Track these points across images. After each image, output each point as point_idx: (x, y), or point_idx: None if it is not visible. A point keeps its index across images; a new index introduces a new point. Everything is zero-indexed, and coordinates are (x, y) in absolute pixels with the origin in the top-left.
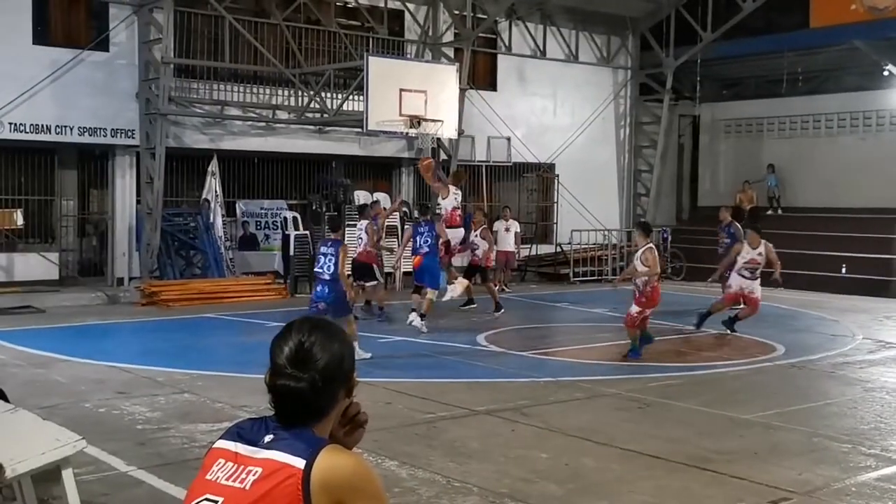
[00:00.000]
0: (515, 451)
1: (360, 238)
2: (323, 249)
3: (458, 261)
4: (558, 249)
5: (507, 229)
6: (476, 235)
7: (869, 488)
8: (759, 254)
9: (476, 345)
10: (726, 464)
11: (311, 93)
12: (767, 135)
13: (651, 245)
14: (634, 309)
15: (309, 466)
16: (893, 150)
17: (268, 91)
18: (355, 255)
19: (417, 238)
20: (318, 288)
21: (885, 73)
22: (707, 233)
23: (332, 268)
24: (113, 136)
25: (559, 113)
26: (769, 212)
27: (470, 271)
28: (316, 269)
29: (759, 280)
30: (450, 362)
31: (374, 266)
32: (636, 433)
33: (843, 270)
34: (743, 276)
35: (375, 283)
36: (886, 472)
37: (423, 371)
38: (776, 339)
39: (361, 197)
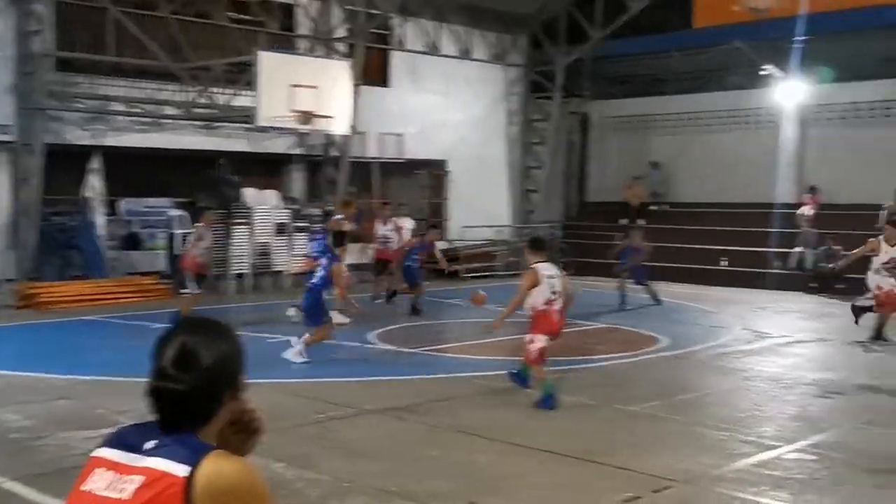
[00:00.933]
0: (406, 449)
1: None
2: (322, 261)
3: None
4: (449, 246)
5: (401, 227)
6: (388, 229)
7: (745, 474)
8: None
9: (367, 343)
10: (612, 455)
11: (200, 88)
12: (654, 132)
13: (535, 266)
14: (526, 337)
15: (192, 474)
16: (770, 147)
17: (154, 86)
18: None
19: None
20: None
21: (764, 72)
22: (596, 228)
23: (315, 279)
24: None
25: (451, 109)
26: (653, 207)
27: (379, 265)
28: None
29: None
30: (340, 361)
31: (189, 273)
32: (526, 428)
33: (723, 263)
34: (883, 276)
35: (188, 290)
36: (762, 458)
37: (312, 370)
38: (660, 332)
39: (250, 196)
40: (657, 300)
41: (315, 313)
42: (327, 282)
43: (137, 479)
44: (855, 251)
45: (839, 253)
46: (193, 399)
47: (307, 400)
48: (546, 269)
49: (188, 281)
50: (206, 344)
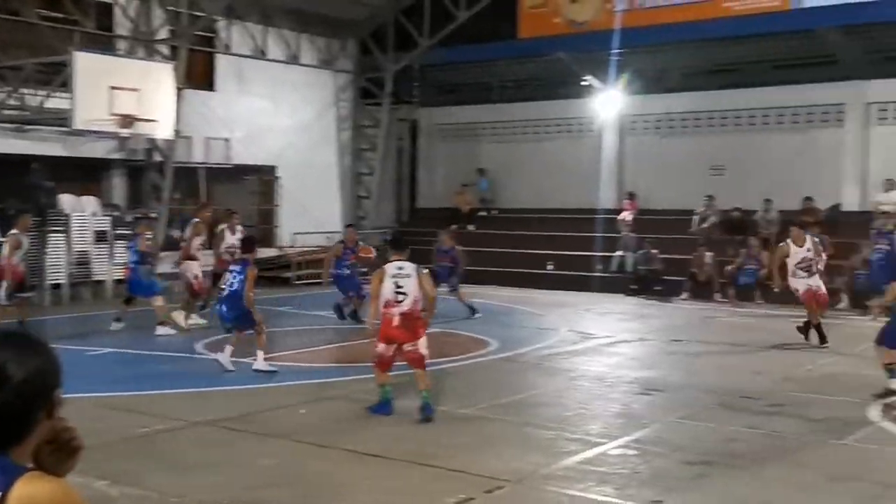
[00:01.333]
0: (238, 460)
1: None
2: (232, 267)
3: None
4: (280, 252)
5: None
6: (237, 238)
7: (573, 471)
8: (808, 249)
9: (195, 353)
10: (446, 458)
11: (8, 89)
12: (482, 139)
13: (385, 265)
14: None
15: (3, 498)
16: (592, 154)
17: None
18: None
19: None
20: (218, 306)
21: (585, 83)
22: (427, 234)
23: (234, 285)
24: None
25: (280, 114)
26: (482, 213)
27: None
28: (221, 285)
29: (817, 275)
30: (167, 372)
31: (10, 282)
32: (360, 434)
33: (550, 267)
34: (801, 278)
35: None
36: (588, 455)
37: (137, 383)
38: (489, 335)
39: (67, 202)
40: (472, 310)
41: (245, 321)
42: (244, 286)
43: None
44: (772, 263)
45: (656, 256)
46: (2, 418)
47: (132, 414)
48: (392, 268)
49: (4, 291)
50: (15, 359)
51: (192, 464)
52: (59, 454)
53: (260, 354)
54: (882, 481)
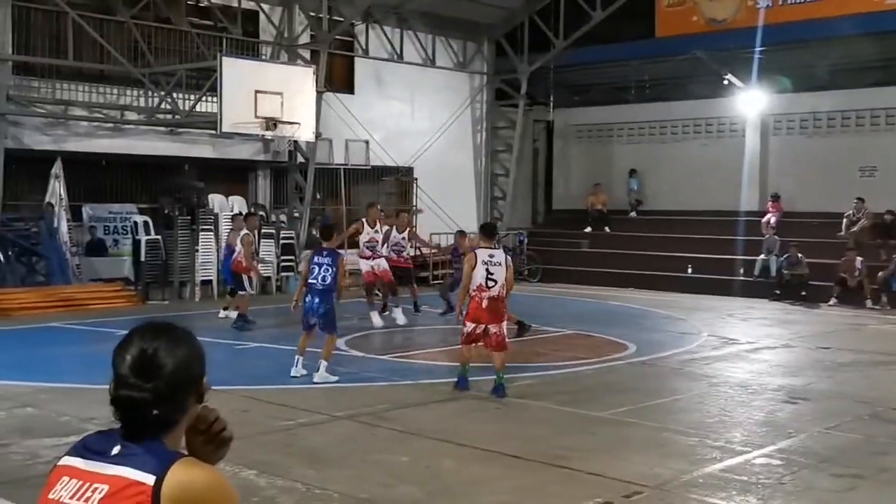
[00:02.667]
0: (375, 455)
1: (236, 247)
2: (318, 259)
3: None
4: (417, 252)
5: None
6: (402, 237)
7: (714, 479)
8: None
9: (335, 349)
10: (581, 461)
11: (162, 93)
12: (617, 140)
13: (475, 250)
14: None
15: (159, 482)
16: (733, 155)
17: (115, 91)
18: (230, 263)
19: None
20: (308, 299)
21: (725, 82)
22: (562, 235)
23: (328, 279)
24: None
25: (417, 117)
26: (633, 213)
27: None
28: (310, 280)
29: None
30: (308, 367)
31: (245, 276)
32: (494, 433)
33: (689, 270)
34: None
35: (244, 292)
36: (730, 464)
37: (281, 377)
38: (628, 338)
39: (216, 202)
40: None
41: (329, 322)
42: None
43: (103, 488)
44: None
45: (802, 260)
46: (156, 406)
47: (275, 407)
48: (483, 254)
49: (245, 283)
50: (165, 349)
51: (332, 457)
52: (211, 444)
53: (323, 365)
54: None
